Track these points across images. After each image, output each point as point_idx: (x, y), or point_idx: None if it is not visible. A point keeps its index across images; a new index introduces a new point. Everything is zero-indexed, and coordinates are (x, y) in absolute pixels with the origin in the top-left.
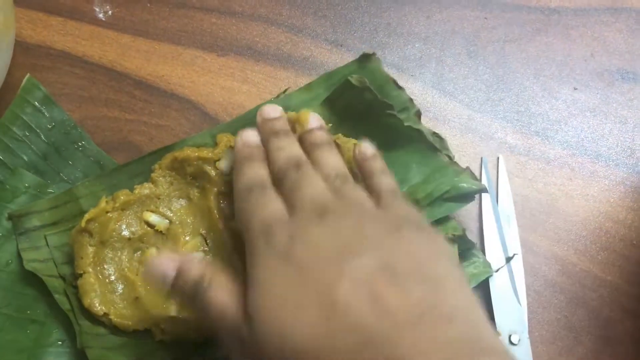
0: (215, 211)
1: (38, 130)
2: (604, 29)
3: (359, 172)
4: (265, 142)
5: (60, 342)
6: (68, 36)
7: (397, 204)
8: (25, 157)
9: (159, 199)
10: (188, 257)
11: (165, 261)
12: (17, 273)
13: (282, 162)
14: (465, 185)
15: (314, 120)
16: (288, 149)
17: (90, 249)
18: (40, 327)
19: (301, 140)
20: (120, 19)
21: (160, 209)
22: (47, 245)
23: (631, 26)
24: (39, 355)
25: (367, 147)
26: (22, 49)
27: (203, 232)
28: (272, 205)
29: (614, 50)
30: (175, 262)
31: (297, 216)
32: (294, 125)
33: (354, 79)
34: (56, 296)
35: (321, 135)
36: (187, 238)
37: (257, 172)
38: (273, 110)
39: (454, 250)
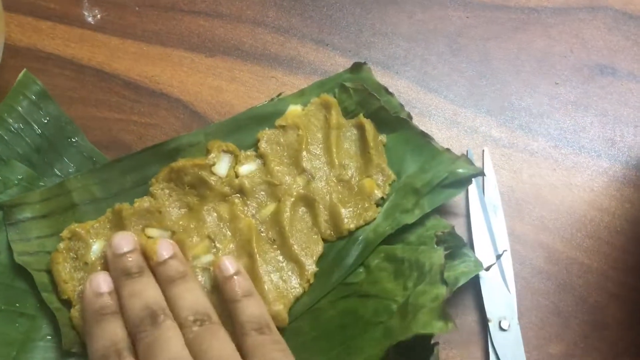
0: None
1: (33, 124)
2: (582, 27)
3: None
4: (117, 286)
5: (49, 337)
6: (57, 39)
7: (262, 348)
8: (19, 150)
9: (159, 212)
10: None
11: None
12: (7, 265)
13: (136, 313)
14: (462, 170)
15: (164, 249)
16: (141, 294)
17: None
18: (29, 321)
19: (155, 274)
20: (109, 23)
21: (162, 223)
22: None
23: (608, 24)
24: (29, 349)
25: (227, 265)
26: (11, 52)
27: (209, 234)
28: None
29: (592, 46)
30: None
31: None
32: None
33: (349, 84)
34: (44, 294)
35: (174, 267)
36: (196, 239)
37: (111, 334)
38: (125, 243)
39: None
